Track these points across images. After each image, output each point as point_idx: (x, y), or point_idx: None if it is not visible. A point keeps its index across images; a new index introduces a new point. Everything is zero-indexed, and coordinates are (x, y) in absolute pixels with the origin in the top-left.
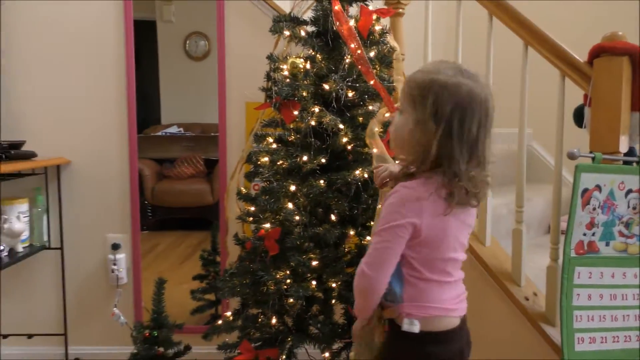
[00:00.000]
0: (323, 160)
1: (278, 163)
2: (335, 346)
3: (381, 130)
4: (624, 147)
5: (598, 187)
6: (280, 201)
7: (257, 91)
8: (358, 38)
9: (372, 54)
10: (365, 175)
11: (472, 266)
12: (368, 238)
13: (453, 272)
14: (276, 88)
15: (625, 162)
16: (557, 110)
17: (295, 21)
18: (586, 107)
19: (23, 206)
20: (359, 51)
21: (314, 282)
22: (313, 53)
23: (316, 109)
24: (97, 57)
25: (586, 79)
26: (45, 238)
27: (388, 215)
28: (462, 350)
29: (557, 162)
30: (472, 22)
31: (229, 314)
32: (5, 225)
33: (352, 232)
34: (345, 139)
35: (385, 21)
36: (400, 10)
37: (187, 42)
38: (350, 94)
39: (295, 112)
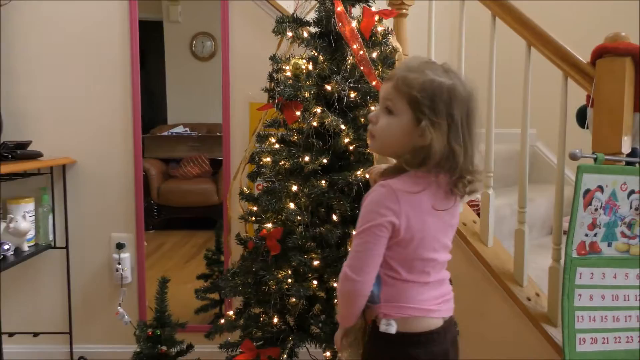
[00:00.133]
0: (325, 161)
1: (280, 163)
2: None
3: None
4: (626, 148)
5: (600, 188)
6: (282, 201)
7: (260, 91)
8: (360, 39)
9: (374, 54)
10: (367, 176)
11: (475, 266)
12: None
13: (433, 272)
14: (279, 89)
15: (628, 163)
16: (560, 111)
17: (298, 22)
18: (589, 107)
19: (29, 205)
20: (361, 52)
21: (315, 282)
22: (316, 54)
23: (318, 110)
24: (102, 57)
25: (589, 79)
26: (51, 237)
27: (366, 216)
28: (447, 352)
29: (559, 163)
30: (475, 22)
31: (231, 313)
32: (12, 225)
33: (353, 233)
34: (347, 140)
35: (389, 22)
36: (404, 11)
37: (194, 42)
38: (352, 94)
39: (298, 113)
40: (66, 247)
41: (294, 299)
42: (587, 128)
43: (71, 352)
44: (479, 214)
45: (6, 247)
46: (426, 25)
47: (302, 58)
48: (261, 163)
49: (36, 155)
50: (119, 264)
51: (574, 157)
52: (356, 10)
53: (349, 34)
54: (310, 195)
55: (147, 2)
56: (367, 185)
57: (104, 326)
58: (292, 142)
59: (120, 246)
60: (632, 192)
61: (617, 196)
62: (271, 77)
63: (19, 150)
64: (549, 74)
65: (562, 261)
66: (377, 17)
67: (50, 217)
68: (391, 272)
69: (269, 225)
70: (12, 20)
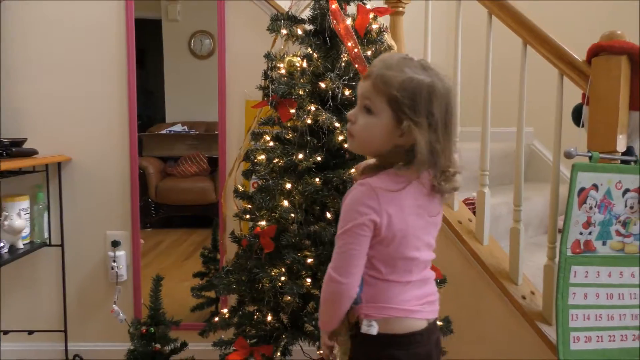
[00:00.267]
0: (319, 159)
1: (274, 161)
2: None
3: None
4: (621, 147)
5: (595, 187)
6: (276, 199)
7: (256, 89)
8: (355, 37)
9: (369, 52)
10: None
11: (470, 265)
12: None
13: (416, 271)
14: (273, 86)
15: (623, 162)
16: (556, 109)
17: (292, 20)
18: (584, 106)
19: (24, 203)
20: (355, 50)
21: (309, 280)
22: (310, 52)
23: (312, 108)
24: (98, 55)
25: (584, 78)
26: (46, 235)
27: (347, 215)
28: (430, 354)
29: (555, 161)
30: (472, 21)
31: (225, 311)
32: (6, 222)
33: None
34: (341, 137)
35: (385, 20)
36: (400, 9)
37: (192, 40)
38: (346, 92)
39: (292, 111)
40: (61, 245)
41: (288, 297)
42: (583, 126)
43: (66, 350)
44: (474, 213)
45: (1, 244)
46: (423, 24)
47: (296, 56)
48: (255, 161)
49: (31, 153)
50: (114, 261)
51: (568, 155)
52: (351, 8)
53: (344, 32)
54: (304, 192)
55: (145, 1)
56: None
57: (100, 324)
58: (287, 139)
59: (115, 244)
60: (627, 190)
61: (612, 195)
62: (266, 75)
63: (14, 148)
64: (547, 73)
65: (557, 259)
66: (371, 15)
67: (46, 214)
68: (373, 272)
69: (263, 223)
70: (8, 19)
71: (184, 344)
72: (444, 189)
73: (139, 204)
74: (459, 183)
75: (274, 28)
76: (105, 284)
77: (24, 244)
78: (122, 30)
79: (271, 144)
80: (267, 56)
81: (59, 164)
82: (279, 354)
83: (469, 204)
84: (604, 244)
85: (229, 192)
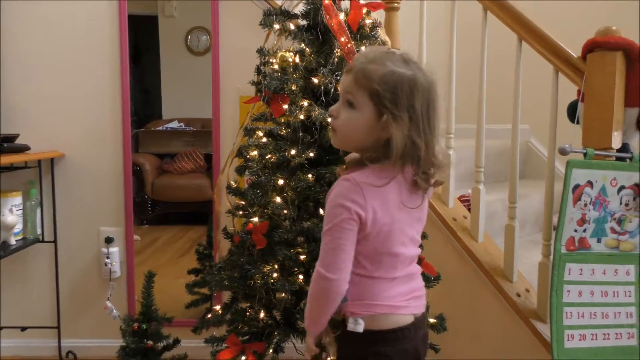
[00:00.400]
0: (311, 155)
1: (266, 157)
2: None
3: None
4: (616, 143)
5: (590, 183)
6: (268, 195)
7: (250, 85)
8: (348, 32)
9: (362, 48)
10: None
11: (465, 262)
12: None
13: (401, 267)
14: (265, 82)
15: (618, 159)
16: (551, 105)
17: (285, 15)
18: (580, 102)
19: (16, 199)
20: (349, 45)
21: (301, 277)
22: (304, 47)
23: (305, 103)
24: (91, 51)
25: (580, 74)
26: (39, 231)
27: (332, 211)
28: (417, 350)
29: (550, 158)
30: (467, 17)
31: (217, 307)
32: None
33: None
34: None
35: (380, 16)
36: (396, 4)
37: (189, 37)
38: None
39: (285, 106)
40: (54, 241)
41: (283, 294)
42: (578, 123)
43: (59, 347)
44: (470, 210)
45: None
46: (418, 20)
47: (289, 51)
48: (248, 157)
49: (24, 149)
50: (108, 258)
51: (563, 152)
52: (344, 3)
53: (337, 27)
54: (296, 189)
55: None
56: None
57: (93, 320)
58: (280, 135)
59: (109, 240)
60: (622, 187)
61: (607, 192)
62: (258, 70)
63: (5, 144)
64: (544, 70)
65: (552, 257)
66: (365, 10)
67: (39, 210)
68: (358, 269)
69: (256, 219)
70: (2, 16)
71: (177, 341)
72: (423, 186)
73: (136, 201)
74: (442, 179)
75: (266, 23)
76: (98, 280)
77: (16, 240)
78: (115, 27)
79: (264, 140)
80: (260, 51)
81: (52, 159)
82: (271, 351)
83: (464, 200)
84: (598, 241)
85: (222, 189)
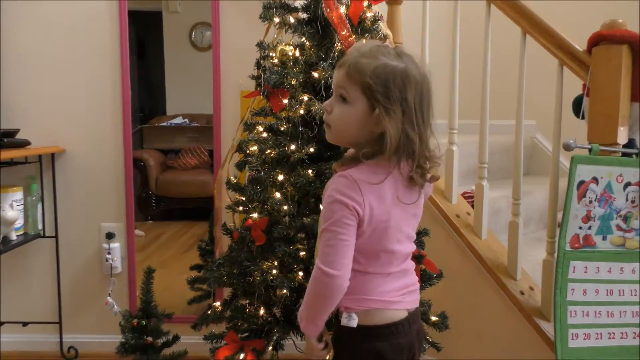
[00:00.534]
0: (311, 150)
1: (266, 152)
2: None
3: None
4: (622, 139)
5: (595, 180)
6: (268, 191)
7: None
8: (349, 25)
9: (363, 41)
10: None
11: (468, 259)
12: None
13: (396, 263)
14: (265, 76)
15: (624, 154)
16: (556, 100)
17: (285, 8)
18: (585, 97)
19: (17, 194)
20: (350, 39)
21: (300, 273)
22: (305, 40)
23: (305, 98)
24: (92, 47)
25: (585, 68)
26: (40, 226)
27: (330, 207)
28: (412, 345)
29: (554, 153)
30: (471, 11)
31: (217, 304)
32: None
33: None
34: None
35: (383, 9)
36: None
37: (193, 32)
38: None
39: (285, 101)
40: (55, 237)
41: (284, 291)
42: (583, 118)
43: (61, 342)
44: (473, 206)
45: None
46: (421, 13)
47: (289, 44)
48: (248, 152)
49: (24, 144)
50: (109, 253)
51: (567, 147)
52: None
53: (337, 20)
54: (296, 184)
55: None
56: None
57: (94, 316)
58: (280, 130)
59: (110, 236)
60: (628, 184)
61: (613, 188)
62: (258, 64)
63: (5, 139)
64: (550, 65)
65: (556, 254)
66: (366, 3)
67: (40, 206)
68: (353, 264)
69: (255, 215)
70: (3, 13)
71: (176, 337)
72: (419, 181)
73: (140, 196)
74: (437, 174)
75: (266, 16)
76: (99, 276)
77: (17, 235)
78: (115, 22)
79: (264, 135)
80: (260, 45)
81: (53, 155)
82: (270, 348)
83: (468, 197)
84: (604, 238)
85: (222, 184)
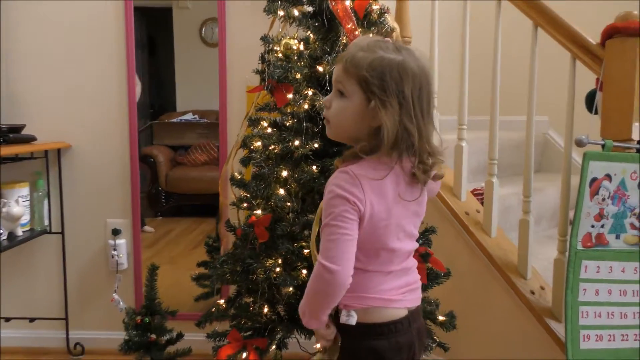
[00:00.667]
0: (316, 146)
1: (270, 148)
2: None
3: None
4: (637, 135)
5: (608, 177)
6: (271, 187)
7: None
8: (354, 18)
9: (370, 35)
10: None
11: (477, 257)
12: None
13: (397, 261)
14: (269, 70)
15: (639, 151)
16: (568, 95)
17: (290, 1)
18: (598, 91)
19: (23, 190)
20: (356, 32)
21: (304, 271)
22: (310, 34)
23: (309, 92)
24: (98, 43)
25: (598, 61)
26: (46, 222)
27: (331, 202)
28: (411, 343)
29: (566, 150)
30: (481, 3)
31: (222, 301)
32: (4, 209)
33: None
34: None
35: (391, 4)
36: None
37: (203, 28)
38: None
39: (289, 96)
40: (62, 233)
41: (291, 288)
42: (596, 113)
43: (67, 338)
44: (483, 203)
45: None
46: (430, 7)
47: (293, 38)
48: (252, 148)
49: (30, 139)
50: (115, 250)
51: (580, 143)
52: None
53: (342, 13)
54: (299, 180)
55: None
56: None
57: (100, 312)
58: (285, 126)
59: (116, 232)
60: None
61: (627, 185)
62: (263, 59)
63: (11, 134)
64: (563, 60)
65: (567, 253)
66: None
67: (46, 202)
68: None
69: (259, 212)
70: (9, 6)
71: (180, 335)
72: (421, 178)
73: (150, 193)
74: (442, 171)
75: (270, 9)
76: (105, 272)
77: (23, 231)
78: (121, 17)
79: (269, 130)
80: (264, 39)
81: (59, 150)
82: (274, 347)
83: (478, 194)
84: (617, 237)
85: (227, 180)
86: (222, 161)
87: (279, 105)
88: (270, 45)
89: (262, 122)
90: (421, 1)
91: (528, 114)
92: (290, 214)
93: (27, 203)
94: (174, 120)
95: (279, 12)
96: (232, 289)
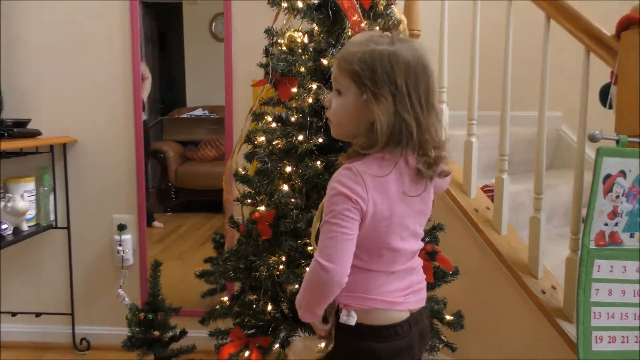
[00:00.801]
0: (320, 140)
1: (274, 143)
2: None
3: None
4: None
5: (622, 173)
6: (275, 183)
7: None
8: (360, 10)
9: (376, 28)
10: None
11: (487, 256)
12: None
13: (401, 261)
14: (273, 63)
15: None
16: (581, 89)
17: None
18: (613, 85)
19: (29, 185)
20: (362, 24)
21: (308, 269)
22: (315, 26)
23: (314, 86)
24: (104, 38)
25: (613, 54)
26: (52, 217)
27: (333, 199)
28: (411, 346)
29: (579, 145)
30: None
31: (225, 299)
32: (9, 204)
33: None
34: None
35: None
36: None
37: (213, 23)
38: None
39: (294, 90)
40: (67, 228)
41: (296, 285)
42: (611, 108)
43: (73, 334)
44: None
45: (4, 226)
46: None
47: (297, 30)
48: (256, 142)
49: (34, 134)
50: (120, 245)
51: (593, 138)
52: None
53: (347, 5)
54: (303, 176)
55: None
56: None
57: (106, 308)
58: (290, 121)
59: (121, 227)
60: None
61: None
62: (267, 52)
63: (16, 129)
64: (578, 54)
65: (579, 252)
66: None
67: (52, 196)
68: (354, 260)
69: (262, 208)
70: (14, 4)
71: (183, 332)
72: (426, 173)
73: (160, 188)
74: (448, 168)
75: (274, 1)
76: (111, 267)
77: (29, 226)
78: (127, 12)
79: (273, 125)
80: (268, 32)
81: (64, 145)
82: (277, 345)
83: (488, 191)
84: (631, 236)
85: (231, 176)
86: (228, 157)
87: (282, 100)
88: (275, 38)
89: (266, 117)
90: None
91: (540, 109)
92: (294, 211)
93: (33, 198)
94: (184, 115)
95: (282, 4)
96: (237, 286)
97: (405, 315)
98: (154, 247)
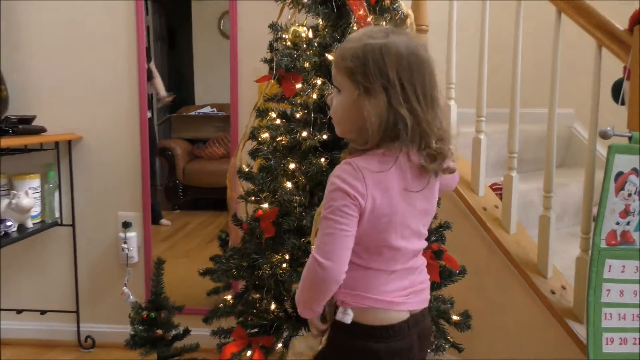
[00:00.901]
0: (324, 137)
1: (277, 139)
2: None
3: None
4: None
5: (635, 171)
6: (278, 180)
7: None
8: (365, 4)
9: (383, 23)
10: None
11: (495, 255)
12: None
13: (402, 260)
14: (277, 59)
15: None
16: (593, 84)
17: None
18: (625, 80)
19: (34, 182)
20: (368, 19)
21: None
22: (320, 21)
23: (318, 82)
24: (109, 35)
25: (626, 49)
26: (57, 214)
27: (331, 195)
28: (411, 347)
29: (590, 142)
30: None
31: (229, 297)
32: (14, 201)
33: None
34: None
35: None
36: None
37: (222, 20)
38: None
39: (298, 85)
40: (72, 225)
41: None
42: (623, 104)
43: (78, 331)
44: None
45: (9, 223)
46: None
47: (302, 25)
48: (260, 139)
49: (39, 131)
50: (125, 243)
51: (604, 135)
52: None
53: None
54: (307, 173)
55: None
56: None
57: (111, 306)
58: (295, 117)
59: (126, 225)
60: None
61: None
62: (271, 47)
63: (21, 125)
64: (589, 50)
65: (590, 252)
66: None
67: (57, 194)
68: (353, 257)
69: (265, 205)
70: (19, 2)
71: (187, 331)
72: (430, 167)
73: (168, 186)
74: (453, 164)
75: None
76: (116, 265)
77: (34, 223)
78: (132, 8)
79: (277, 121)
80: (273, 26)
81: (70, 142)
82: (280, 345)
83: (497, 189)
84: None
85: (235, 173)
86: (233, 153)
87: (287, 95)
88: (279, 33)
89: (270, 113)
90: None
91: (550, 106)
92: (298, 208)
93: (38, 195)
94: (192, 113)
95: None
96: (241, 285)
97: (404, 316)
98: (161, 245)
